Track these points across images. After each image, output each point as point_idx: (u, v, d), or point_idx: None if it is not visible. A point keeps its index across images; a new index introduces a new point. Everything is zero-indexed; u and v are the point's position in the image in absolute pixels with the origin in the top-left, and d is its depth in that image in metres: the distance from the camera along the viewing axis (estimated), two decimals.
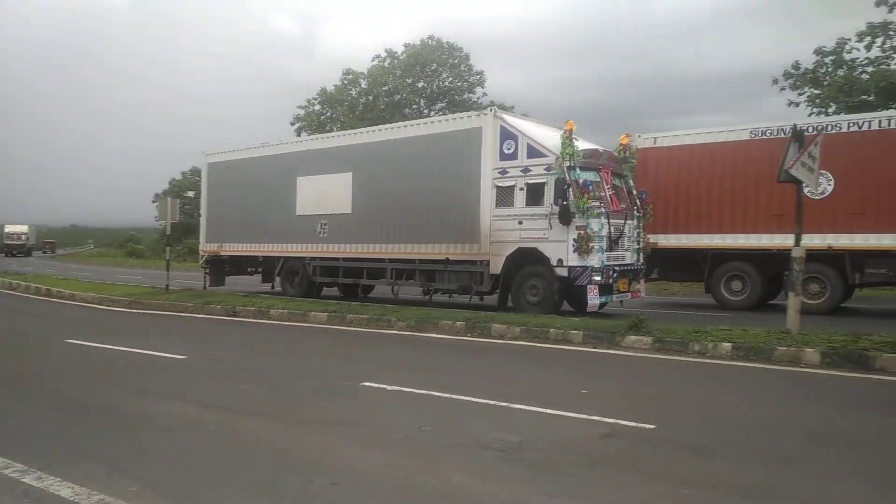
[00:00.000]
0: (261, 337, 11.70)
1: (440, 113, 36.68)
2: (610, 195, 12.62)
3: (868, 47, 21.49)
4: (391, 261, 14.87)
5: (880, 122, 13.08)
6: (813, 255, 12.70)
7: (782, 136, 13.22)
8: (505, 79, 57.90)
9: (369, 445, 4.97)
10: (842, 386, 7.14)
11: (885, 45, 21.20)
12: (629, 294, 13.04)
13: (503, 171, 12.84)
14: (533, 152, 12.56)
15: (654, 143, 15.39)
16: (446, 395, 6.50)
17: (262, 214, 17.63)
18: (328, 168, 16.08)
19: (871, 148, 12.79)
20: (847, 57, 22.09)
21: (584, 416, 5.64)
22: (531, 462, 4.55)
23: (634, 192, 13.75)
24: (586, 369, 8.39)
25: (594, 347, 9.41)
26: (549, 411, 5.83)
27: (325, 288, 17.19)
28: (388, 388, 6.82)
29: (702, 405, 6.38)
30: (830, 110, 20.79)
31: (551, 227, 12.04)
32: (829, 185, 13.07)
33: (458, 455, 4.70)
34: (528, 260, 12.61)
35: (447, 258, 13.68)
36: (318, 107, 41.03)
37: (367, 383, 7.01)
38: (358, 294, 16.67)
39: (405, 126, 16.01)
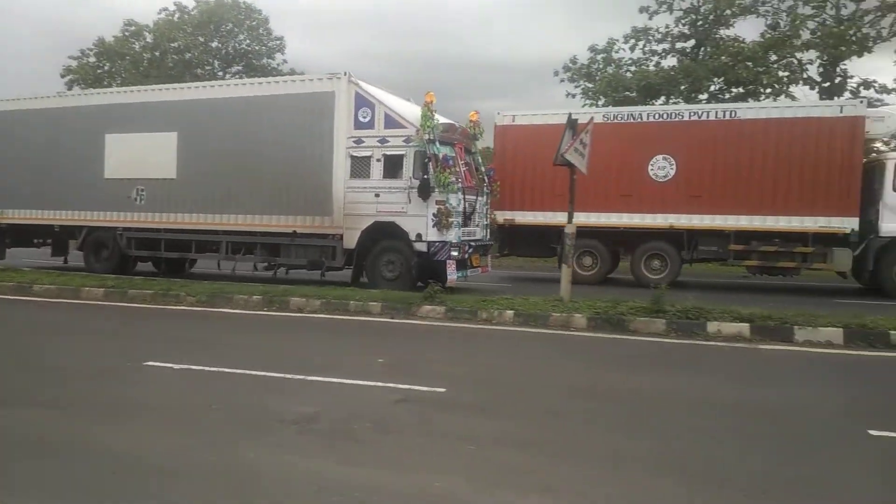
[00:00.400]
0: (20, 317, 10.31)
1: (237, 76, 34.68)
2: (464, 171, 12.67)
3: (632, 49, 24.34)
4: (227, 233, 13.59)
5: (716, 113, 14.43)
6: (657, 233, 14.39)
7: (631, 121, 14.63)
8: (304, 47, 55.86)
9: (153, 429, 4.67)
10: (603, 347, 8.15)
11: (646, 49, 24.15)
12: (479, 269, 13.19)
13: (359, 141, 12.27)
14: (391, 122, 12.14)
15: (513, 122, 15.53)
16: (239, 371, 6.30)
17: (59, 176, 15.05)
18: (147, 125, 14.05)
19: (709, 137, 13.99)
20: (615, 56, 24.82)
21: (380, 384, 5.82)
22: (327, 432, 4.61)
23: (483, 168, 13.88)
24: (384, 339, 8.63)
25: (392, 318, 9.69)
26: (345, 381, 5.92)
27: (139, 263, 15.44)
28: (175, 366, 6.44)
29: (486, 368, 6.91)
30: (600, 103, 23.22)
31: (410, 200, 11.75)
32: (673, 169, 14.15)
33: (250, 431, 4.61)
34: (384, 234, 12.24)
35: (294, 231, 12.86)
36: (93, 59, 36.56)
37: (151, 363, 6.54)
38: (185, 269, 15.28)
39: (245, 84, 14.74)
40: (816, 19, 21.39)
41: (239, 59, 37.09)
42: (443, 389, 5.66)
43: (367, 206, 12.19)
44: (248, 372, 6.26)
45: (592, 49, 24.91)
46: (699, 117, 14.33)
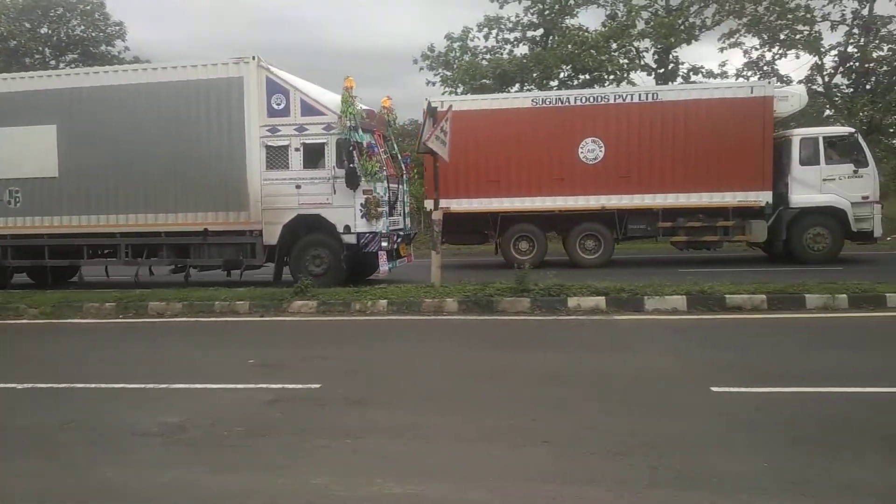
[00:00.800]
0: None
1: (72, 65, 31.72)
2: (384, 159, 12.31)
3: (486, 37, 25.01)
4: (126, 235, 12.36)
5: (639, 95, 14.74)
6: (590, 215, 14.51)
7: (560, 105, 14.62)
8: (146, 34, 52.08)
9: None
10: (473, 328, 8.43)
11: (498, 37, 24.93)
12: (405, 259, 13.01)
13: (274, 129, 11.58)
14: (309, 109, 11.53)
15: (442, 108, 15.18)
16: (93, 385, 5.88)
17: None
18: (18, 118, 12.45)
19: (634, 119, 14.27)
20: (471, 44, 25.40)
21: (251, 386, 5.67)
22: (195, 441, 4.43)
23: (400, 156, 13.54)
24: (253, 339, 8.38)
25: (262, 316, 9.42)
26: (213, 386, 5.71)
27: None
28: (19, 386, 5.89)
29: (360, 359, 6.91)
30: (459, 90, 23.68)
31: (335, 191, 11.32)
32: (601, 151, 14.34)
33: (110, 449, 4.33)
34: (309, 228, 11.71)
35: (206, 229, 11.90)
36: None
37: None
38: (74, 278, 13.71)
39: (137, 70, 13.35)
40: (649, 10, 23.14)
41: (74, 47, 33.95)
42: (317, 385, 5.61)
43: (288, 198, 11.56)
44: (103, 386, 5.86)
45: (448, 37, 25.33)
46: (623, 100, 14.57)
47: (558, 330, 8.18)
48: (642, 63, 23.96)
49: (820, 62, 22.97)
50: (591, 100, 14.68)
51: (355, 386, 5.76)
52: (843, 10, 22.40)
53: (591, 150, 14.37)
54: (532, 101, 14.97)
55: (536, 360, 6.57)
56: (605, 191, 14.36)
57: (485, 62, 24.68)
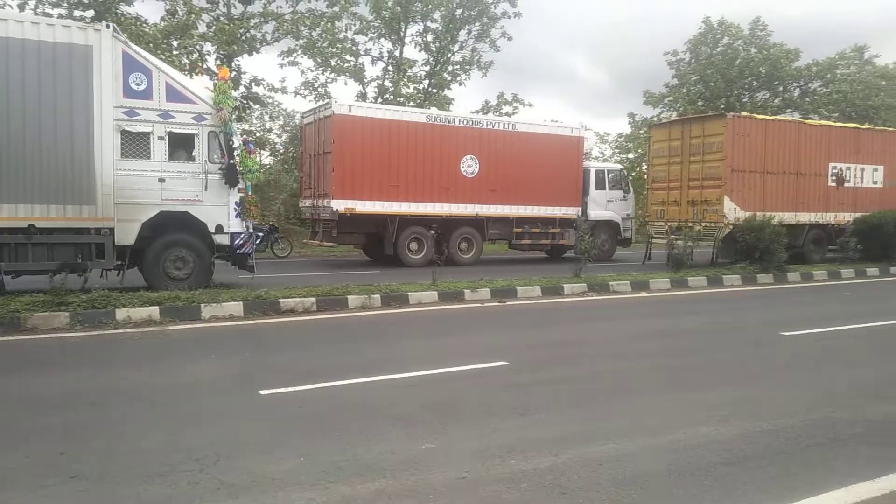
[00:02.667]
0: None
1: None
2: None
3: (21, 8, 20.99)
4: None
5: (502, 124, 18.22)
6: (467, 220, 17.08)
7: (447, 124, 16.89)
8: None
9: None
10: None
11: (38, 11, 21.20)
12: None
13: (131, 112, 10.06)
14: (176, 95, 10.33)
15: (350, 112, 15.72)
16: None
17: None
18: None
19: (498, 143, 17.40)
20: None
21: None
22: None
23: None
24: None
25: None
26: None
27: None
28: None
29: None
30: None
31: (207, 188, 10.44)
32: (477, 167, 17.06)
33: None
34: (172, 227, 10.41)
35: (31, 225, 9.39)
36: None
37: None
38: None
39: None
40: (211, 13, 22.86)
41: None
42: None
43: (148, 192, 10.17)
44: None
45: None
46: (493, 127, 17.77)
47: (99, 347, 7.37)
48: (205, 67, 23.47)
49: (364, 91, 26.09)
50: (472, 123, 17.44)
51: None
52: (381, 49, 26.09)
53: (469, 165, 16.97)
54: (426, 117, 17.00)
55: (55, 385, 5.78)
56: (478, 201, 17.12)
57: None
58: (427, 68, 26.83)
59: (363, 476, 3.80)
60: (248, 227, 10.97)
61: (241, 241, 10.84)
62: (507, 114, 26.79)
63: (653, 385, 6.05)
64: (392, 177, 16.05)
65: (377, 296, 10.00)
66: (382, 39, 25.91)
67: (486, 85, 74.88)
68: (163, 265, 10.49)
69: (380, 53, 26.02)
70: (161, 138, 10.29)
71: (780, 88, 33.51)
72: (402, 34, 25.91)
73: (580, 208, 18.68)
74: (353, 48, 24.94)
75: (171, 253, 10.55)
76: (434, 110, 20.26)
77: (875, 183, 18.40)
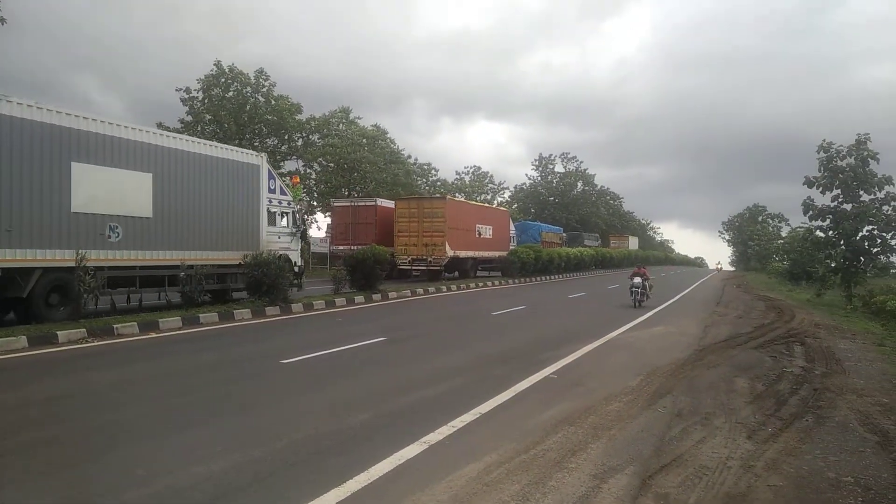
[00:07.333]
0: None
1: None
2: None
3: None
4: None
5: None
6: None
7: None
8: None
9: None
10: None
11: None
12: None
13: (270, 201, 18.49)
14: (283, 192, 19.29)
15: None
16: None
17: None
18: None
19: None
20: None
21: None
22: None
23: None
24: None
25: None
26: None
27: None
28: None
29: None
30: None
31: (292, 241, 19.27)
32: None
33: None
34: (281, 260, 17.32)
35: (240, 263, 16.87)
36: None
37: None
38: None
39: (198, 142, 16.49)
40: None
41: None
42: None
43: (275, 243, 18.26)
44: None
45: None
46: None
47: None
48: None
49: None
50: None
51: None
52: None
53: None
54: None
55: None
56: None
57: None
58: None
59: None
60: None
61: (300, 270, 19.10)
62: None
63: (153, 430, 5.78)
64: None
65: None
66: None
67: None
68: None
69: None
70: (280, 215, 18.67)
71: (286, 137, 36.78)
72: None
73: None
74: None
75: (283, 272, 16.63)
76: None
77: (490, 235, 32.53)
